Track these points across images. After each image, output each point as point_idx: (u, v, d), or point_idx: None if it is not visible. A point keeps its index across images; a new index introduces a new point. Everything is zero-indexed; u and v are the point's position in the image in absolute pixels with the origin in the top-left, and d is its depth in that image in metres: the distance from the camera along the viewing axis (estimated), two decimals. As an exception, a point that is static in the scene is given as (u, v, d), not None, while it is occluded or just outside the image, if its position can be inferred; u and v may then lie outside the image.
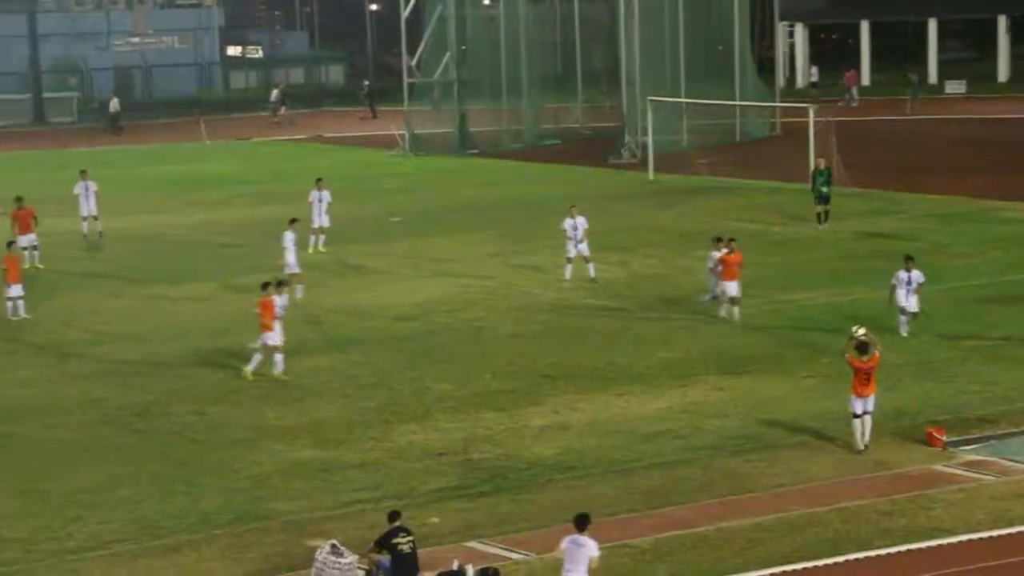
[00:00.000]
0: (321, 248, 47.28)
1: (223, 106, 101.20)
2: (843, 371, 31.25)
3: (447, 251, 46.81)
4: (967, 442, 27.12)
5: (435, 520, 23.94)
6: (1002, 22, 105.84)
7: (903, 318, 34.64)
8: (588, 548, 20.08)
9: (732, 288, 36.57)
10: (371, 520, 23.17)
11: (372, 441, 28.34)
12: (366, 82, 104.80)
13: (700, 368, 32.72)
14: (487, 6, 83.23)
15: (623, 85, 72.32)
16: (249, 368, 32.83)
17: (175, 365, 34.55)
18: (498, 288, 41.68)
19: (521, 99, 79.58)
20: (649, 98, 67.03)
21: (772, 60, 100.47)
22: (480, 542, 23.09)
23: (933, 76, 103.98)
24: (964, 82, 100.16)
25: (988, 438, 27.38)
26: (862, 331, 28.19)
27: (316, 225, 47.48)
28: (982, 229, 48.56)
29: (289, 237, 41.04)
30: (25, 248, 44.24)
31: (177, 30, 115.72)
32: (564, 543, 20.28)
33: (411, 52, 78.78)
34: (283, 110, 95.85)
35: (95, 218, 51.10)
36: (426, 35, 78.31)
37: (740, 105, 76.18)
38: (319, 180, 48.34)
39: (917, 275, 34.55)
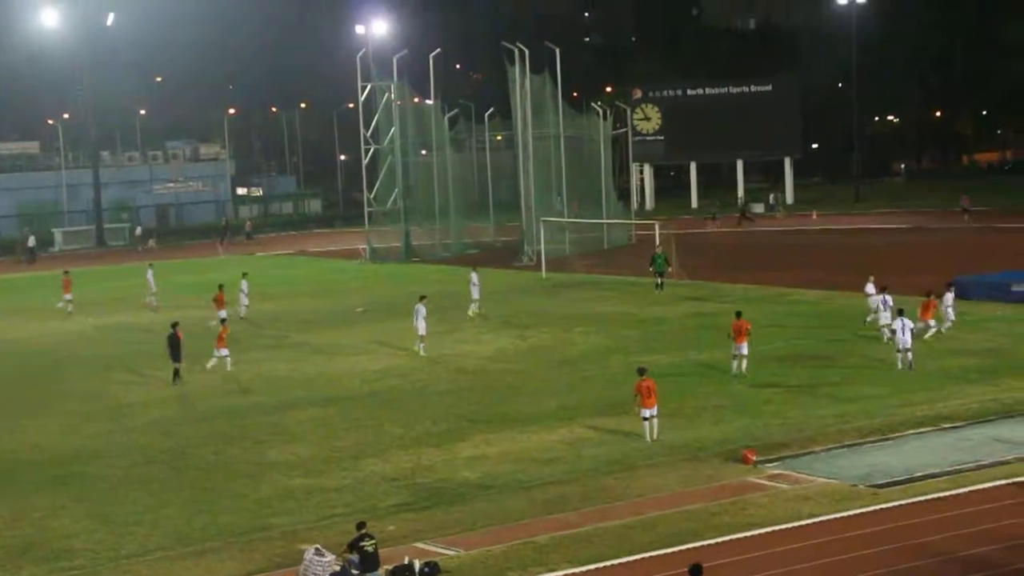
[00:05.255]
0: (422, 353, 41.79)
1: (233, 231, 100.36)
2: (684, 413, 31.53)
3: (397, 332, 46.49)
4: (770, 461, 27.15)
5: (391, 528, 23.67)
6: (787, 162, 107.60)
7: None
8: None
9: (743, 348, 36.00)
10: (344, 529, 22.88)
11: (345, 471, 28.05)
12: (224, 218, 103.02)
13: (580, 412, 32.60)
14: (424, 155, 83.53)
15: (522, 209, 72.66)
16: None
17: (198, 420, 34.12)
18: (435, 357, 41.52)
19: (449, 220, 79.86)
20: (542, 219, 67.46)
21: (628, 189, 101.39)
22: (424, 543, 22.85)
23: (741, 200, 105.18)
24: (763, 204, 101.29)
25: (785, 457, 27.42)
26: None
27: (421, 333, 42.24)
28: (777, 308, 48.95)
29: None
30: (224, 320, 43.72)
31: (201, 177, 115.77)
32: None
33: (370, 188, 78.92)
34: (151, 243, 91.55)
35: (247, 306, 52.38)
36: (380, 176, 78.47)
37: (606, 223, 76.86)
38: (423, 297, 43.38)
39: (909, 322, 35.83)
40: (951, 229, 78.49)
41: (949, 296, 40.83)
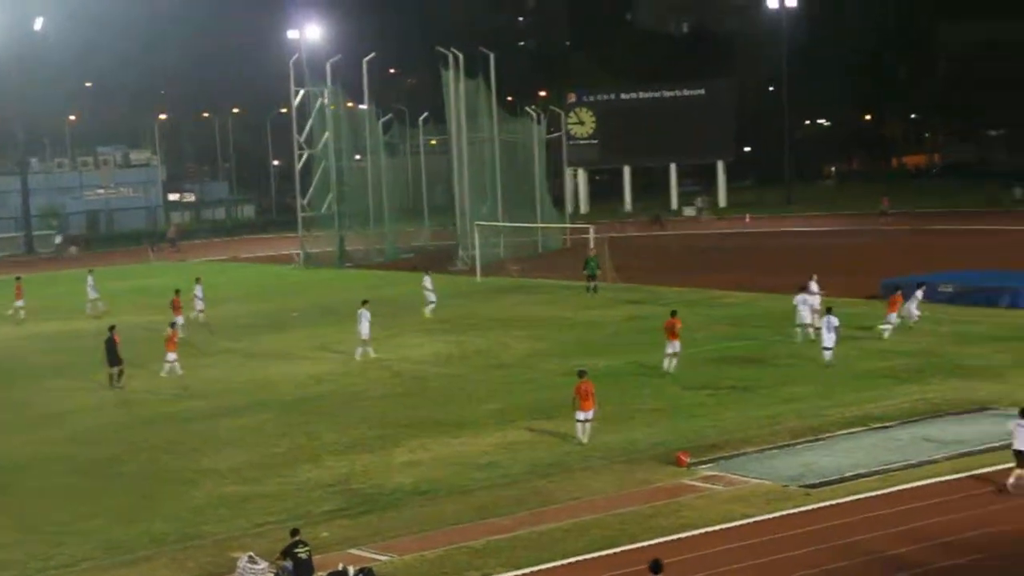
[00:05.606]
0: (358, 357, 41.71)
1: (158, 237, 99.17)
2: (619, 415, 31.67)
3: (332, 336, 46.44)
4: (704, 462, 27.33)
5: (325, 534, 23.58)
6: (720, 165, 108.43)
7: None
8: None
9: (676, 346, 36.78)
10: (278, 536, 22.71)
11: (279, 478, 27.88)
12: (174, 224, 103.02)
13: (516, 416, 32.63)
14: (358, 160, 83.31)
15: (457, 213, 72.66)
16: None
17: (133, 426, 33.78)
18: (370, 362, 41.37)
19: (384, 225, 79.70)
20: (476, 223, 67.50)
21: (562, 194, 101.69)
22: (358, 549, 22.76)
23: (674, 203, 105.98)
24: (694, 207, 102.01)
25: (718, 459, 27.62)
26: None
27: (364, 337, 41.84)
28: (709, 310, 49.35)
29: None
30: (174, 324, 43.82)
31: (131, 183, 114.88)
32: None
33: (303, 193, 78.57)
34: (72, 250, 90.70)
35: (202, 311, 52.06)
36: (314, 181, 78.16)
37: (540, 227, 77.05)
38: (365, 301, 42.74)
39: (834, 320, 36.60)
40: (880, 232, 79.56)
41: (919, 293, 42.74)
